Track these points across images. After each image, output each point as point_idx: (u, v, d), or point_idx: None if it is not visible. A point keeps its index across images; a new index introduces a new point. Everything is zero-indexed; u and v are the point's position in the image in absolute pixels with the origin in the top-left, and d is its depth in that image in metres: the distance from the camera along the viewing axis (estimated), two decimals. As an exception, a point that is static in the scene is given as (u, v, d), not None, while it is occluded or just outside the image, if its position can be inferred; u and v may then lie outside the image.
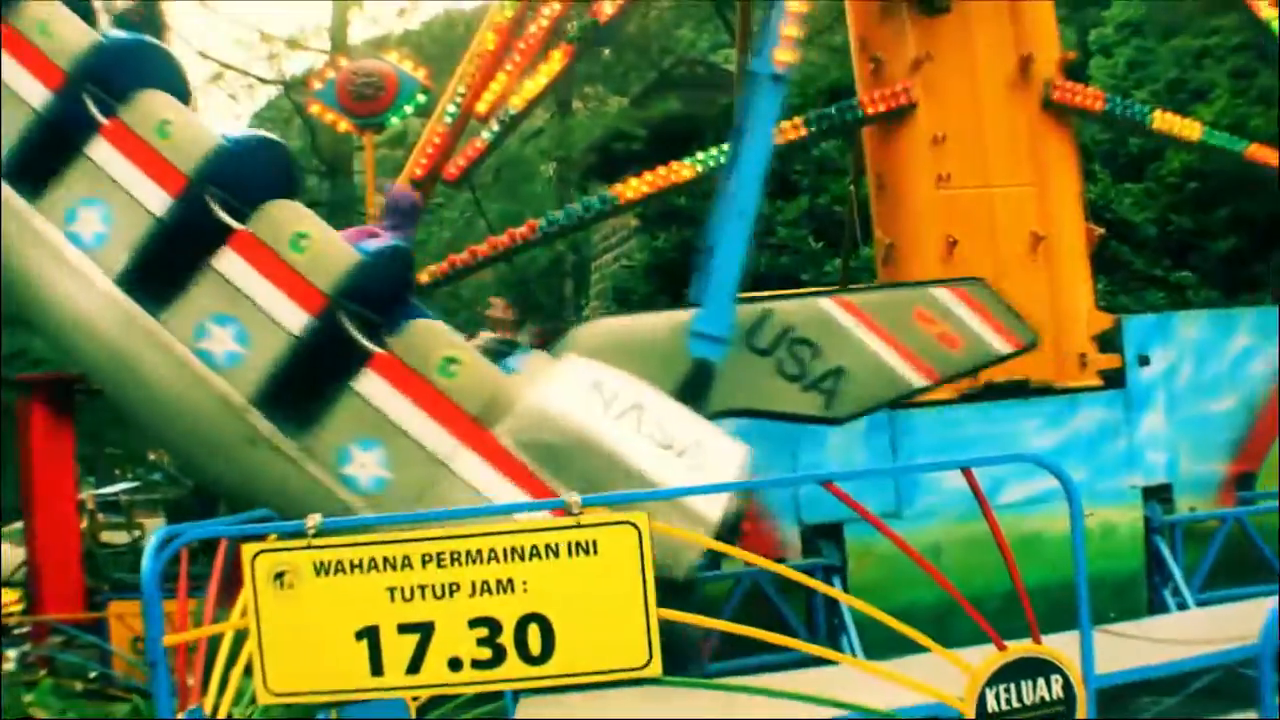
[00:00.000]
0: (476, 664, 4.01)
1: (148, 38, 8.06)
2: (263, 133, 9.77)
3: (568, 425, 6.89)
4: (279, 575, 4.00)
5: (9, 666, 9.62)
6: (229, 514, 7.08)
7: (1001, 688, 4.40)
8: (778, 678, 6.80)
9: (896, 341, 8.08)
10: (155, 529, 8.23)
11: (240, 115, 27.97)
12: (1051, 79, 11.93)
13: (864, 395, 8.14)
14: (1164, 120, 12.65)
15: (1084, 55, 22.42)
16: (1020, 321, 8.28)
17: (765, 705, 5.25)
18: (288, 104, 26.42)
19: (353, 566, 4.00)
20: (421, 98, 11.73)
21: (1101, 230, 12.87)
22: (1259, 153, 12.75)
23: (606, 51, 25.54)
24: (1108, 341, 11.39)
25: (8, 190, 7.15)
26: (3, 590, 12.09)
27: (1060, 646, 4.53)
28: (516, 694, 6.24)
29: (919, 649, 4.47)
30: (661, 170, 11.94)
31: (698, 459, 7.00)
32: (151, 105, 7.30)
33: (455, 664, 4.01)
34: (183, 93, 7.68)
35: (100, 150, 7.24)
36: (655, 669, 4.01)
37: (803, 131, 11.97)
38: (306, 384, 7.11)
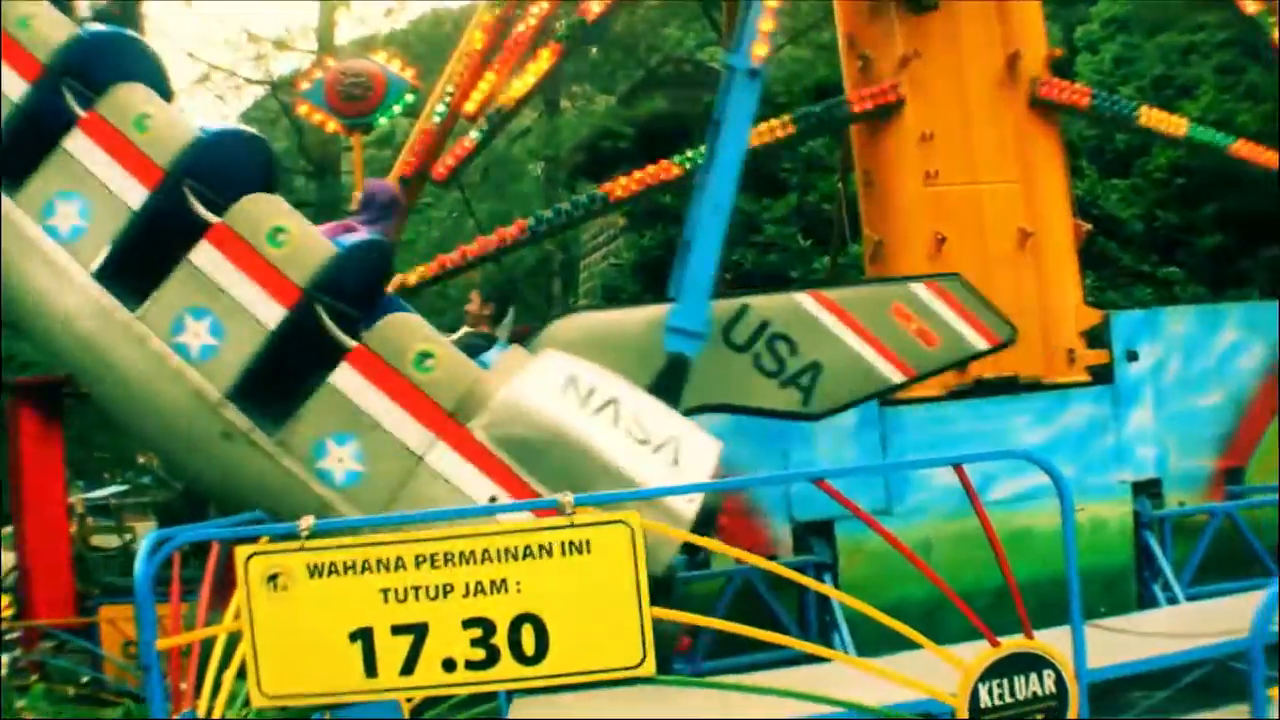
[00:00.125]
0: (470, 665, 4.02)
1: (127, 31, 8.04)
2: (241, 126, 9.75)
3: (543, 420, 6.88)
4: (272, 577, 4.00)
5: (1, 672, 9.60)
6: (220, 517, 7.08)
7: (994, 683, 4.42)
8: (770, 675, 6.79)
9: (873, 337, 8.08)
10: (146, 532, 8.21)
11: (227, 116, 27.87)
12: (1038, 76, 11.96)
13: (841, 391, 8.14)
14: (1150, 116, 12.67)
15: (1070, 52, 22.44)
16: (998, 317, 8.28)
17: (758, 703, 5.25)
18: (275, 104, 26.38)
19: (346, 568, 4.01)
20: (409, 97, 11.72)
21: (1089, 226, 12.90)
22: (1245, 148, 12.76)
23: (594, 50, 25.53)
24: (1096, 337, 11.43)
25: None
26: (-7, 595, 12.06)
27: (1051, 641, 4.55)
28: (510, 694, 6.24)
29: (911, 645, 4.49)
30: (649, 169, 11.94)
31: (674, 454, 7.01)
32: (130, 98, 7.26)
33: (449, 665, 4.02)
34: (162, 87, 7.64)
35: (78, 143, 7.19)
36: (649, 668, 4.02)
37: (790, 129, 11.98)
38: (282, 378, 7.10)
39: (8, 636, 10.81)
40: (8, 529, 13.13)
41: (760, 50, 8.68)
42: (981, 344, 8.28)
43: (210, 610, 5.27)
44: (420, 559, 4.00)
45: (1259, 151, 12.71)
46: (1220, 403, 11.18)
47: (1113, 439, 10.75)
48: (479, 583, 3.99)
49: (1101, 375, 11.04)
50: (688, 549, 7.27)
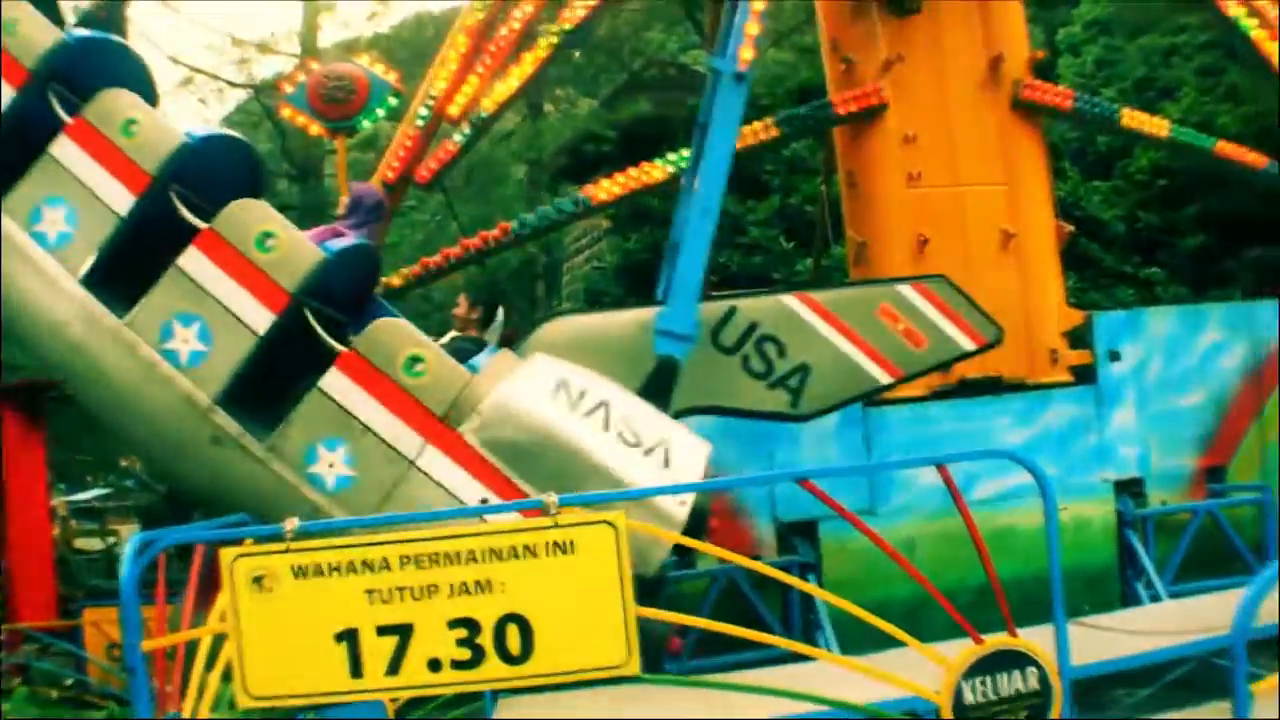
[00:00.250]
0: (456, 664, 4.02)
1: (113, 36, 8.02)
2: (228, 131, 9.73)
3: (533, 423, 6.88)
4: (258, 579, 4.00)
5: (-16, 675, 9.56)
6: (204, 519, 7.06)
7: (978, 680, 4.44)
8: (755, 674, 6.80)
9: (861, 339, 8.10)
10: (129, 535, 8.19)
11: (210, 119, 27.75)
12: (1021, 78, 12.01)
13: (829, 392, 8.15)
14: (1132, 118, 12.74)
15: (1052, 54, 22.55)
16: (984, 317, 8.31)
17: (743, 702, 5.26)
18: (258, 108, 26.24)
19: (331, 569, 4.00)
20: (393, 101, 11.68)
21: (1071, 227, 12.95)
22: (1226, 149, 12.84)
23: (577, 54, 25.52)
24: (1078, 338, 11.49)
25: None
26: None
27: (1035, 639, 4.57)
28: (495, 694, 6.24)
29: (895, 644, 4.51)
30: (633, 171, 11.96)
31: (664, 457, 7.02)
32: (116, 104, 7.25)
33: (435, 665, 4.02)
34: (148, 92, 7.62)
35: (64, 149, 7.18)
36: (634, 667, 4.03)
37: (774, 131, 12.01)
38: (272, 383, 7.10)
39: (-9, 640, 10.79)
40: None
41: (746, 54, 8.71)
42: (968, 344, 8.31)
43: (195, 612, 5.26)
44: (405, 560, 4.00)
45: (1240, 152, 12.79)
46: (1202, 402, 11.26)
47: (1095, 438, 10.81)
48: (464, 583, 4.00)
49: (1084, 375, 11.11)
50: (679, 551, 7.28)
